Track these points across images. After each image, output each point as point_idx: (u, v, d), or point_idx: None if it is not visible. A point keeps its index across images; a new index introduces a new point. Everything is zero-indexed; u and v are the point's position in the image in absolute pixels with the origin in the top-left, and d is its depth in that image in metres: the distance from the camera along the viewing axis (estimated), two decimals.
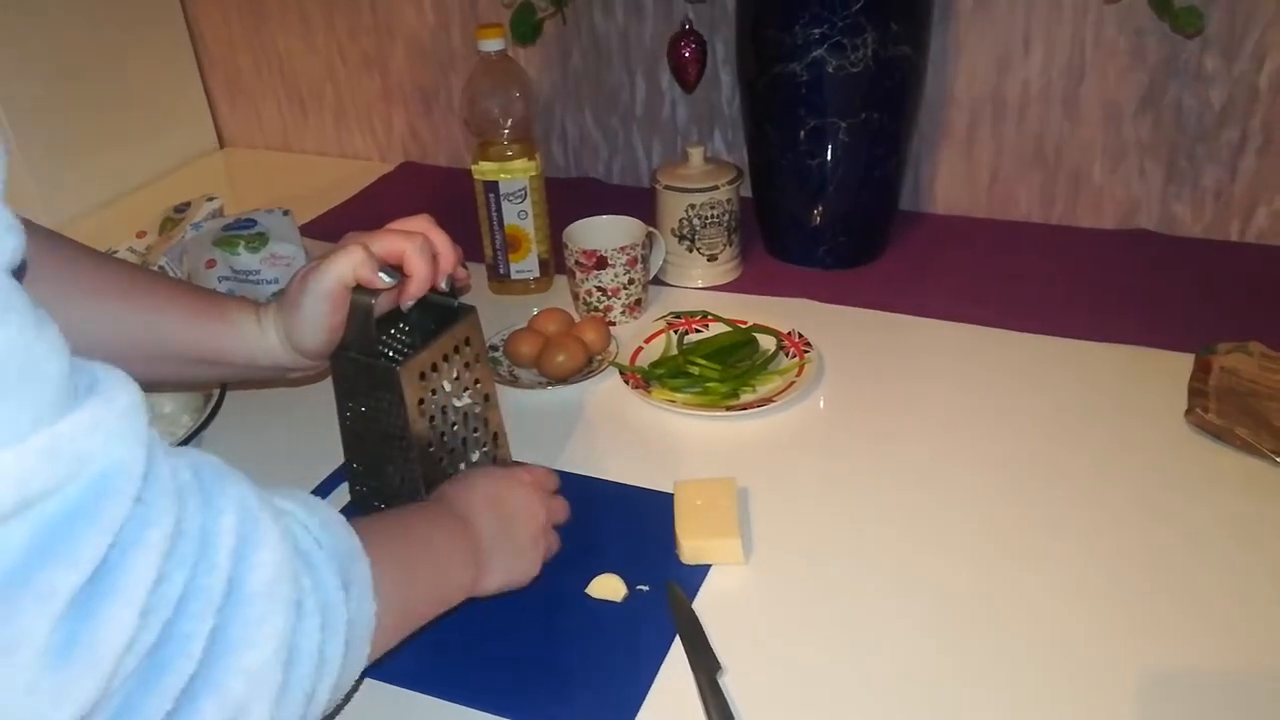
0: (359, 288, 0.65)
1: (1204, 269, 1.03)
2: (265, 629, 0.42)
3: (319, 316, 0.65)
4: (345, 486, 0.77)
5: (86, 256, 0.67)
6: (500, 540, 0.63)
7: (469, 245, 0.75)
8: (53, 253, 0.65)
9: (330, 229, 1.21)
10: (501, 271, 1.06)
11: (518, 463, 0.77)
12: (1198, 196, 1.08)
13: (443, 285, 0.69)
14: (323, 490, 0.79)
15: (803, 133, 1.00)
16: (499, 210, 1.02)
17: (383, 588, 0.51)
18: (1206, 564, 0.68)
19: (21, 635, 0.34)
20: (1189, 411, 0.80)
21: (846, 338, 0.95)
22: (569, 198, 1.15)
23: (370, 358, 0.67)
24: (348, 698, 0.59)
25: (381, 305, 0.67)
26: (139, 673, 0.37)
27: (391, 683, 0.63)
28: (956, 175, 1.17)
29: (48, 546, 0.34)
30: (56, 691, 0.34)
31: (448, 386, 0.70)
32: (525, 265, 1.05)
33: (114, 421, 0.37)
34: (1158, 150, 1.07)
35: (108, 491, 0.36)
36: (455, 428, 0.71)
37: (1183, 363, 0.86)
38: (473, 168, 1.02)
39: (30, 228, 0.65)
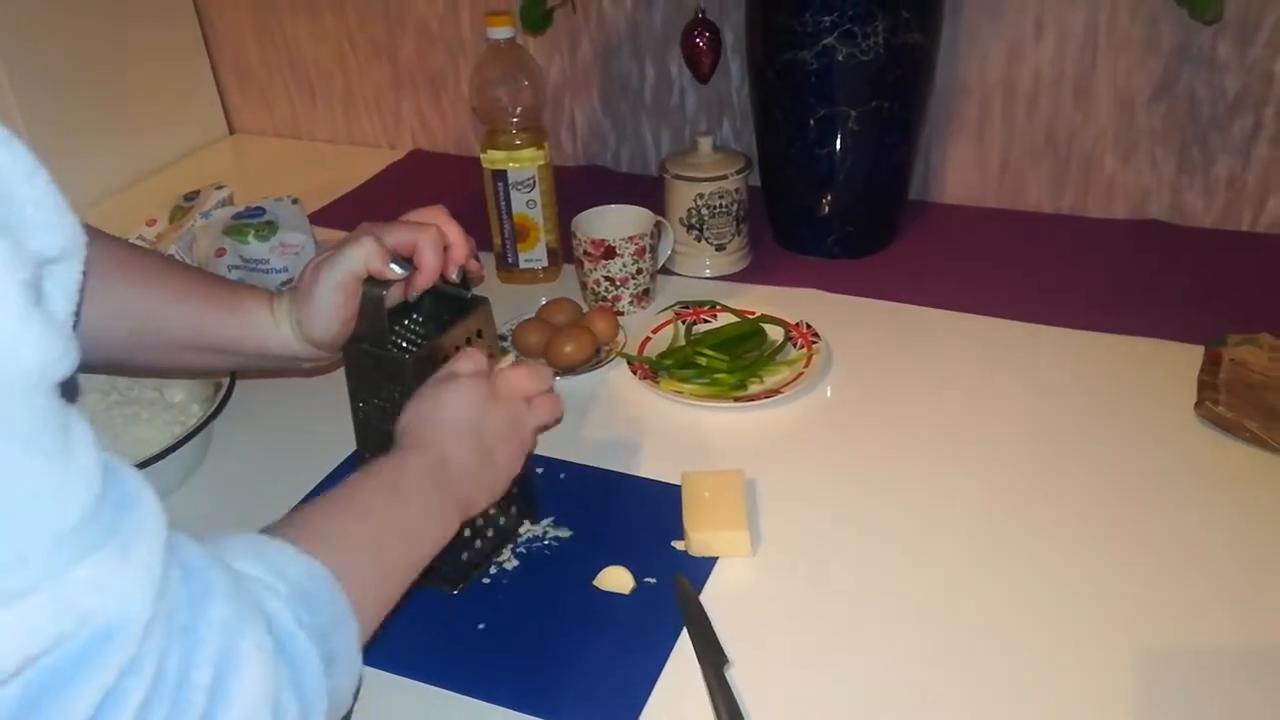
0: (371, 279, 0.65)
1: (1215, 260, 1.02)
2: None
3: (331, 307, 0.65)
4: None
5: (102, 242, 0.68)
6: (479, 467, 0.62)
7: (478, 234, 0.75)
8: None
9: (340, 217, 1.21)
10: (510, 261, 1.06)
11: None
12: (1210, 186, 1.07)
13: (453, 276, 0.69)
14: (333, 480, 0.79)
15: (812, 121, 1.00)
16: (507, 199, 1.02)
17: (364, 600, 0.50)
18: (1216, 556, 0.68)
19: None
20: (1198, 404, 0.80)
21: (855, 328, 0.95)
22: (577, 186, 1.15)
23: (382, 349, 0.67)
24: None
25: (393, 296, 0.67)
26: None
27: (398, 673, 0.63)
28: (966, 164, 1.16)
29: (38, 703, 0.33)
30: None
31: None
32: (533, 254, 1.05)
33: (127, 576, 0.35)
34: (1170, 139, 1.06)
35: (107, 649, 0.34)
36: None
37: (1192, 355, 0.86)
38: (481, 156, 1.01)
39: None
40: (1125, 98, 1.06)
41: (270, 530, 0.50)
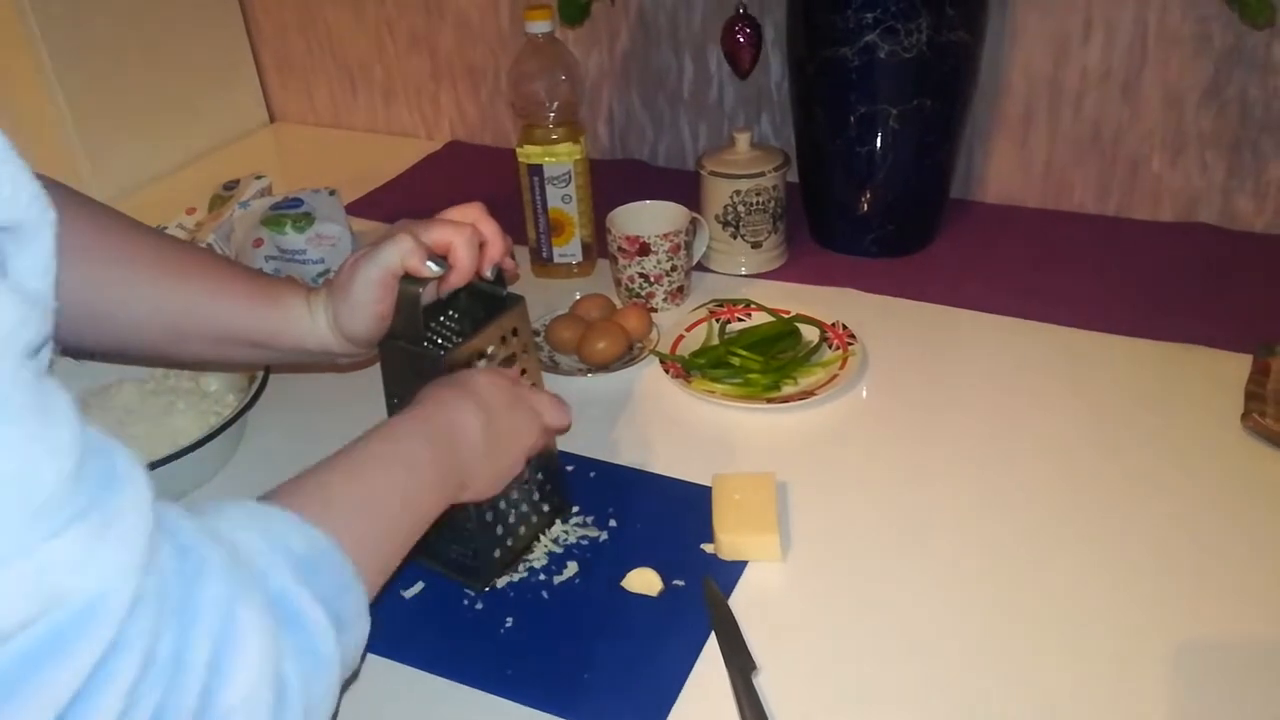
0: (408, 276, 0.65)
1: (1265, 265, 1.00)
2: None
3: (367, 303, 0.66)
4: None
5: (141, 235, 0.68)
6: (487, 448, 0.61)
7: (513, 228, 0.75)
8: (107, 231, 0.66)
9: (377, 207, 1.21)
10: (544, 255, 1.06)
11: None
12: (1261, 190, 1.04)
13: (488, 274, 0.69)
14: None
15: (852, 119, 0.98)
16: (543, 194, 1.02)
17: (364, 561, 0.50)
18: (1260, 574, 0.66)
19: None
20: (1245, 416, 0.78)
21: (892, 330, 0.93)
22: (613, 179, 1.14)
23: (417, 346, 0.67)
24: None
25: (429, 294, 0.67)
26: None
27: (424, 669, 0.64)
28: (1009, 163, 1.14)
29: (14, 684, 0.32)
30: None
31: None
32: (568, 249, 1.05)
33: (106, 553, 0.34)
34: (1220, 141, 1.04)
35: (85, 629, 0.33)
36: None
37: (1240, 364, 0.84)
38: (517, 150, 1.01)
39: (85, 203, 0.66)
40: (1175, 98, 1.04)
41: (269, 496, 0.50)
